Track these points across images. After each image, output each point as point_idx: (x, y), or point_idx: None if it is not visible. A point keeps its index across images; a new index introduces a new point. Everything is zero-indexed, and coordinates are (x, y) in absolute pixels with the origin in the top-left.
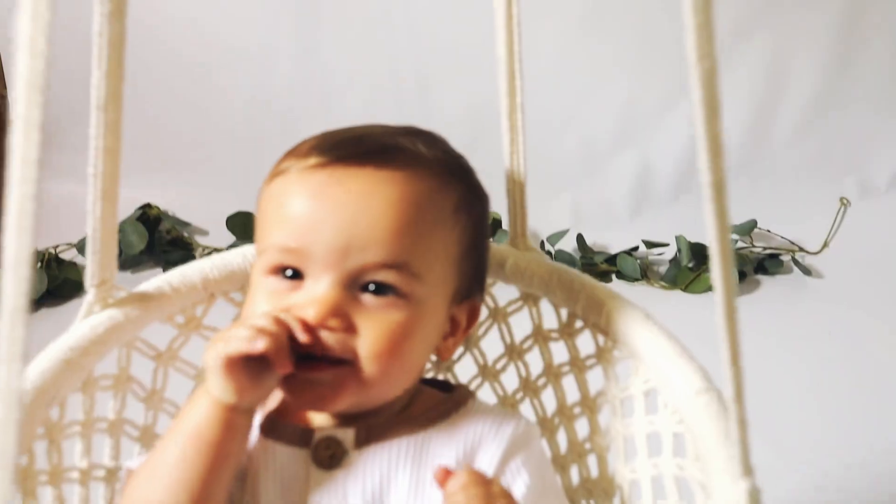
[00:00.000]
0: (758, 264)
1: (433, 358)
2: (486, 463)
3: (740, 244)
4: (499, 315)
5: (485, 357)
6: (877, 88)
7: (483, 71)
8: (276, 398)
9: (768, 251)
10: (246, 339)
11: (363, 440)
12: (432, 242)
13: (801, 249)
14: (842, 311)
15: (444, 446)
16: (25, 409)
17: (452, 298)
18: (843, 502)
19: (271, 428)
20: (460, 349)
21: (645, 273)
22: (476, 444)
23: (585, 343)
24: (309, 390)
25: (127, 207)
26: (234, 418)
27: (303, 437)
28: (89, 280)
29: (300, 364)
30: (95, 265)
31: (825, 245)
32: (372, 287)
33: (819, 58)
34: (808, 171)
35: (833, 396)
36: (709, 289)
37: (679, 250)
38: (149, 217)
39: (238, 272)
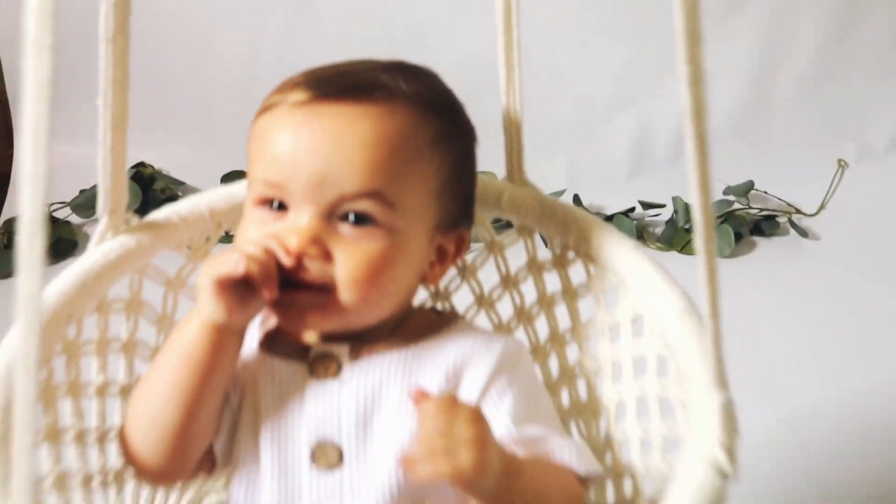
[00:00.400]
0: (754, 226)
1: (431, 289)
2: (475, 378)
3: (737, 205)
4: (495, 247)
5: (481, 287)
6: (876, 53)
7: (480, 24)
8: (275, 319)
9: (765, 213)
10: (235, 262)
11: (356, 354)
12: (409, 175)
13: (798, 211)
14: (838, 273)
15: (434, 361)
16: (44, 325)
17: (436, 228)
18: (837, 456)
19: (271, 345)
20: (458, 281)
21: (641, 234)
22: (466, 359)
23: (577, 273)
24: (295, 313)
25: None
26: (222, 338)
27: (301, 352)
28: (101, 208)
29: (285, 289)
30: (107, 193)
31: (822, 207)
32: (351, 218)
33: (819, 22)
34: (806, 135)
35: (829, 357)
36: None
37: (675, 211)
38: (143, 176)
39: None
